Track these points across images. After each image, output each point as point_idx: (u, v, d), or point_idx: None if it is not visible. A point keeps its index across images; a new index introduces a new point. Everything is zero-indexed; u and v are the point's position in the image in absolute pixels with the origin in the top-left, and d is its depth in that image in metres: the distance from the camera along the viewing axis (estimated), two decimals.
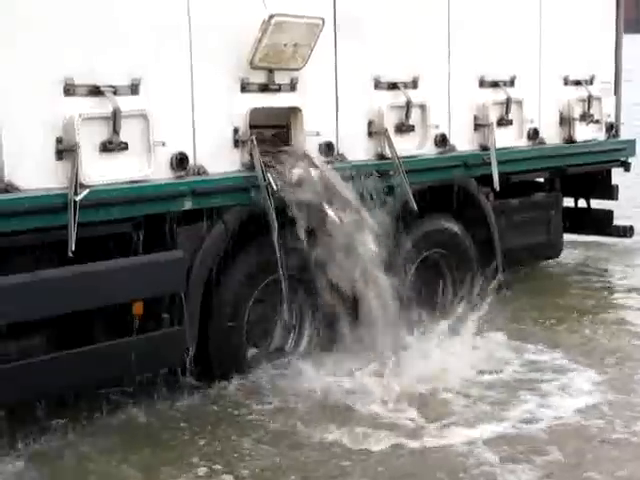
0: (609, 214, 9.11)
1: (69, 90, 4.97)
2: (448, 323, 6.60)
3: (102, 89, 5.08)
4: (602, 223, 9.09)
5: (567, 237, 8.79)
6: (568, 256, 9.30)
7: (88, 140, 5.00)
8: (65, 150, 4.94)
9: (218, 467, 4.84)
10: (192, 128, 5.57)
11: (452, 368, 6.01)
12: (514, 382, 6.00)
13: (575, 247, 9.67)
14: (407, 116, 6.74)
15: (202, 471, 4.80)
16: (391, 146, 6.52)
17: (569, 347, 6.65)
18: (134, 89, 5.24)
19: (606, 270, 9.16)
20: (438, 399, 5.68)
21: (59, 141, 4.94)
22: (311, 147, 6.17)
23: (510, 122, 7.58)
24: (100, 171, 5.06)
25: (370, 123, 6.58)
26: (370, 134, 6.60)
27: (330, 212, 5.92)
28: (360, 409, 5.51)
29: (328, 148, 6.27)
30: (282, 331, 6.41)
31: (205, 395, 5.75)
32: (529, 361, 6.38)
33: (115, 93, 5.13)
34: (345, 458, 4.92)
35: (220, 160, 5.71)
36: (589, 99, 8.28)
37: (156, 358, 5.46)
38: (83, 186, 4.91)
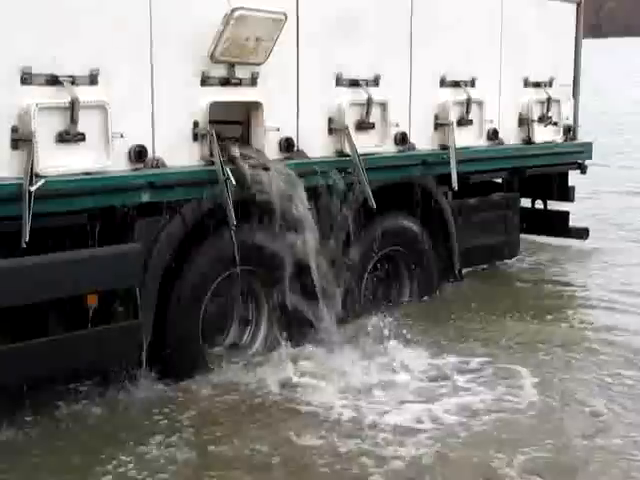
0: (565, 215, 9.22)
1: (26, 79, 4.90)
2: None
3: (60, 79, 5.02)
4: (558, 224, 9.20)
5: (523, 237, 8.87)
6: (524, 257, 9.37)
7: (45, 130, 4.93)
8: (21, 140, 4.87)
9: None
10: (151, 120, 5.53)
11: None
12: None
13: (531, 248, 9.74)
14: (367, 114, 6.75)
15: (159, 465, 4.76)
16: (351, 143, 6.53)
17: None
18: (93, 79, 5.18)
19: (560, 272, 9.21)
20: None
21: (14, 130, 4.87)
22: (271, 143, 6.16)
23: (470, 122, 7.63)
24: (56, 162, 5.00)
25: (330, 120, 6.59)
26: (330, 131, 6.60)
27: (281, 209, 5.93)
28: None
29: (288, 144, 6.26)
30: (239, 326, 6.41)
31: (163, 390, 5.70)
32: None
33: (73, 83, 5.07)
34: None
35: (179, 153, 5.68)
36: (548, 101, 8.38)
37: (111, 352, 5.41)
38: (39, 176, 4.85)
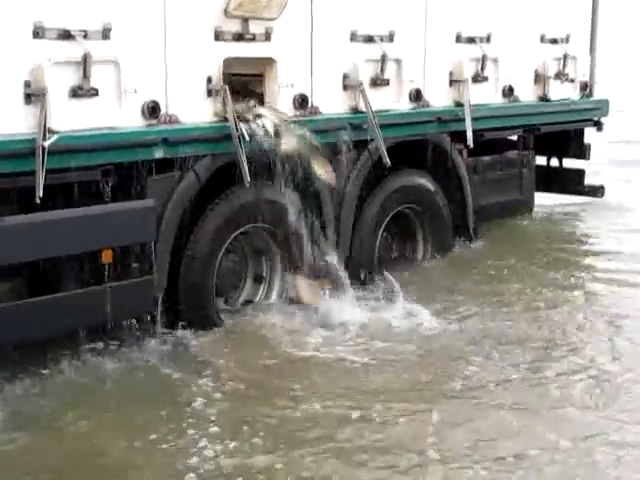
0: (581, 173, 9.15)
1: (38, 33, 4.88)
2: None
3: (72, 33, 4.99)
4: (573, 182, 9.14)
5: (538, 195, 8.82)
6: (539, 214, 9.32)
7: (57, 85, 4.91)
8: (34, 94, 4.85)
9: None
10: (164, 76, 5.49)
11: None
12: None
13: (546, 205, 9.69)
14: (382, 70, 6.68)
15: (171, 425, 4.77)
16: (365, 100, 6.48)
17: None
18: (105, 34, 5.15)
19: (575, 230, 9.18)
20: None
21: (27, 85, 4.85)
22: (285, 99, 6.12)
23: (485, 79, 7.56)
24: (70, 117, 4.99)
25: (345, 76, 6.53)
26: (345, 87, 6.55)
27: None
28: None
29: (302, 100, 6.22)
30: (252, 283, 6.43)
31: (174, 344, 5.73)
32: None
33: (86, 37, 5.04)
34: None
35: (192, 109, 5.65)
36: (565, 58, 8.27)
37: (125, 307, 5.42)
38: (52, 132, 4.84)
